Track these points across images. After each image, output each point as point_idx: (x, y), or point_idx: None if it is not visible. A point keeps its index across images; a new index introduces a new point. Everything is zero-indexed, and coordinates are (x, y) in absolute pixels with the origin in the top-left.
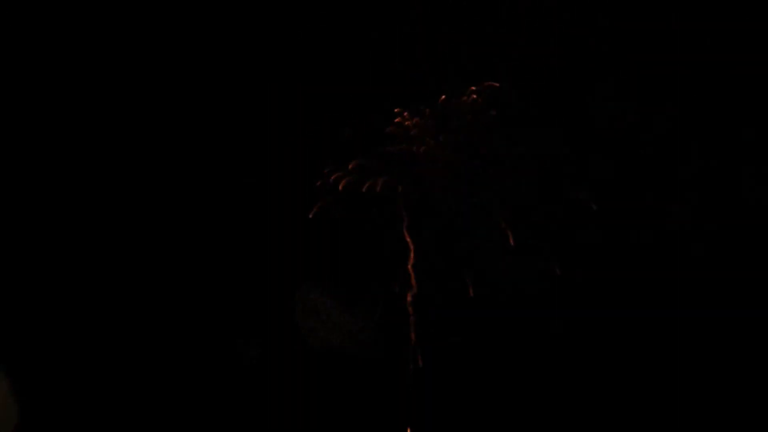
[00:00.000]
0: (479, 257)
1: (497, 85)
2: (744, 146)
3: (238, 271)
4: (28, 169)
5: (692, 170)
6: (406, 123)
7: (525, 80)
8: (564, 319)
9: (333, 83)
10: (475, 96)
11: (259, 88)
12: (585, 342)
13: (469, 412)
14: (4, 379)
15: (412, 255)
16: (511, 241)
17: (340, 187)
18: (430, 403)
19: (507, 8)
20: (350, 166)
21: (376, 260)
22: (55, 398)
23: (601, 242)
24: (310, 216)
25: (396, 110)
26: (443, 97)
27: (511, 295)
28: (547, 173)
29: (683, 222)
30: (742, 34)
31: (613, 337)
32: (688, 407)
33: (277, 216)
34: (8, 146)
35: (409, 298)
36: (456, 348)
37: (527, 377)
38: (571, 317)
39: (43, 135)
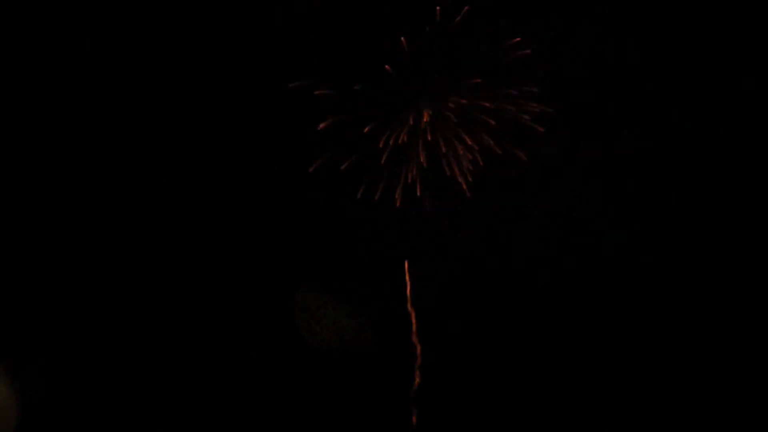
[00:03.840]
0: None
1: None
2: None
3: (238, 272)
4: (28, 169)
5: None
6: None
7: None
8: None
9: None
10: None
11: (247, 86)
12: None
13: (471, 411)
14: (4, 379)
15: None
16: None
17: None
18: (431, 401)
19: None
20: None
21: (374, 260)
22: (55, 398)
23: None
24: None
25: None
26: None
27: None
28: None
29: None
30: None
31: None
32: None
33: (277, 217)
34: (8, 146)
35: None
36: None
37: (528, 375)
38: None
39: (42, 135)
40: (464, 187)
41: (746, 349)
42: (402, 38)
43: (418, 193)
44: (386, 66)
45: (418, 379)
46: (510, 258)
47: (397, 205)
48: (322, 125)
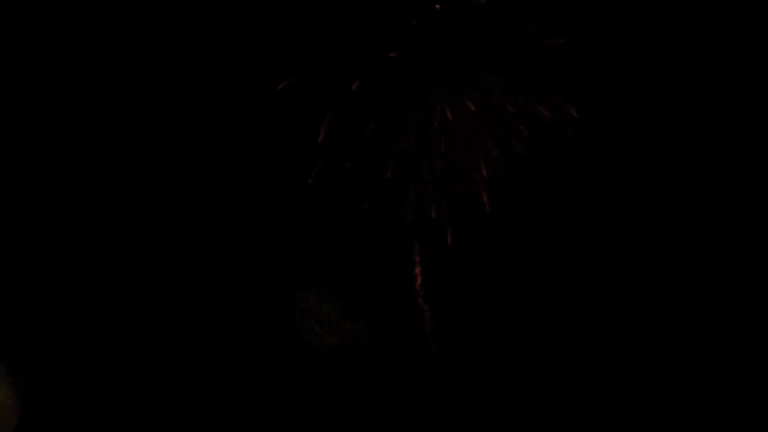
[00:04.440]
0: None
1: None
2: None
3: (237, 272)
4: (27, 169)
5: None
6: None
7: None
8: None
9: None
10: None
11: (247, 86)
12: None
13: (474, 411)
14: (4, 379)
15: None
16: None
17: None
18: (435, 402)
19: None
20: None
21: (375, 259)
22: (55, 398)
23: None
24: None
25: None
26: None
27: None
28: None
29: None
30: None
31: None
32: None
33: (276, 217)
34: (8, 146)
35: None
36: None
37: (534, 375)
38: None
39: (41, 135)
40: (485, 200)
41: (746, 349)
42: (412, 23)
43: (432, 215)
44: (392, 53)
45: (426, 381)
46: (524, 258)
47: (408, 216)
48: (321, 128)
